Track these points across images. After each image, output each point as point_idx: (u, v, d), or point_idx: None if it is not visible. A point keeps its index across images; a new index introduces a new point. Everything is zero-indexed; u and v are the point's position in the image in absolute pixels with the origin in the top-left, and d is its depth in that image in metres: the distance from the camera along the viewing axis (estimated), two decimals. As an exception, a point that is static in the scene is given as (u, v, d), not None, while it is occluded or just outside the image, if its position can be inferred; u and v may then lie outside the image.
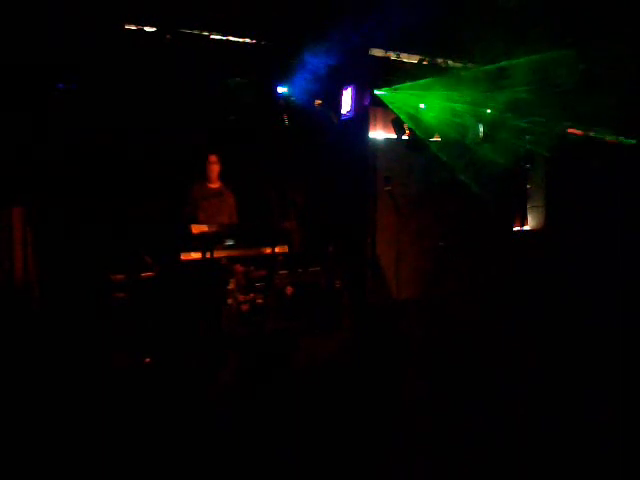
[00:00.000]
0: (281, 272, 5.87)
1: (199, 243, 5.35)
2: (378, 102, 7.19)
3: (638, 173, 5.47)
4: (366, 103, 7.02)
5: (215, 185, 6.03)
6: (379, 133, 7.58)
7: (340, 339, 5.72)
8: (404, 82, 6.85)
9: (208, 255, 5.36)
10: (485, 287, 6.00)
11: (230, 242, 5.51)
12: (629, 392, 4.21)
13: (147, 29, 5.28)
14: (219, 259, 5.50)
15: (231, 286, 5.54)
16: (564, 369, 4.63)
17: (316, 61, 6.15)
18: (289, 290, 5.80)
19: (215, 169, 6.00)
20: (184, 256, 5.36)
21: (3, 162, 5.23)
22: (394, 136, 7.23)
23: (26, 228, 5.44)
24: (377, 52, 6.55)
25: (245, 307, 5.50)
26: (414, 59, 6.66)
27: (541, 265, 5.77)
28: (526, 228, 6.46)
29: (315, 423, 4.02)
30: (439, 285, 6.42)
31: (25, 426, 3.85)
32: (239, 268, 5.61)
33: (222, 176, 6.07)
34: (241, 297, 5.52)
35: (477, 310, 5.68)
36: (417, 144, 7.06)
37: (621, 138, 5.52)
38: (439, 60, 6.33)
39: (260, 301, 5.60)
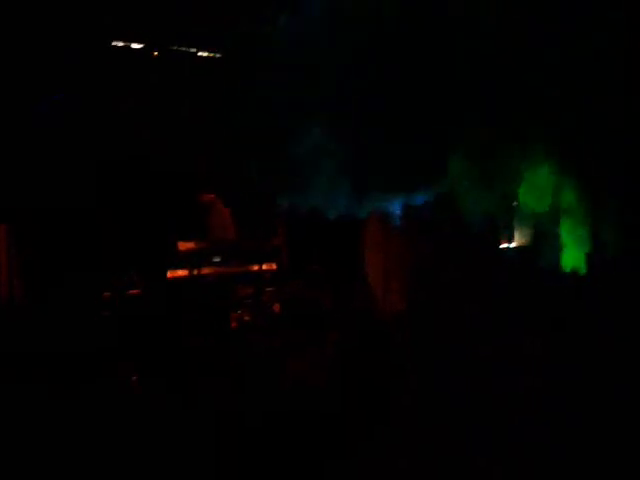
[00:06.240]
0: (268, 289, 5.86)
1: (186, 260, 5.35)
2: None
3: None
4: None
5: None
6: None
7: (328, 355, 5.69)
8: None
9: (195, 272, 5.35)
10: (474, 301, 6.03)
11: (217, 259, 5.50)
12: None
13: (134, 46, 5.29)
14: (206, 276, 5.48)
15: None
16: (559, 379, 4.65)
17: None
18: (276, 307, 5.78)
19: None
20: (170, 273, 5.34)
21: None
22: None
23: (11, 246, 5.39)
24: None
25: (233, 324, 5.47)
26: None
27: (528, 278, 5.84)
28: (512, 245, 6.51)
29: (303, 439, 4.00)
30: (429, 299, 6.43)
31: (9, 447, 3.79)
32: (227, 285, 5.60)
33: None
34: (228, 314, 5.50)
35: (467, 323, 5.71)
36: None
37: None
38: None
39: (247, 318, 5.58)
